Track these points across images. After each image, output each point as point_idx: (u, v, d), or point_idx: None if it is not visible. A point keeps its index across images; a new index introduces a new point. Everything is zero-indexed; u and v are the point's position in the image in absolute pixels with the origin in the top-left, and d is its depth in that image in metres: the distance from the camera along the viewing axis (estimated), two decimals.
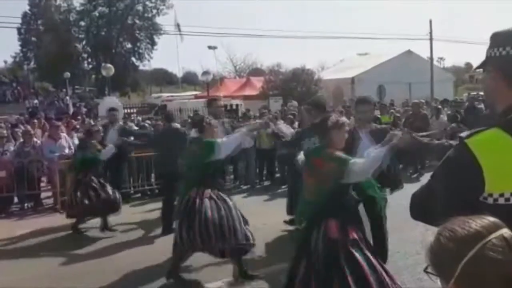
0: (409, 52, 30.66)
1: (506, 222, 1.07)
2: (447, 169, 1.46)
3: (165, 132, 7.58)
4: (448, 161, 1.46)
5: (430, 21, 29.86)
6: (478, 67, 1.63)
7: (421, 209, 1.57)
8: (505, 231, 1.04)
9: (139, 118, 15.61)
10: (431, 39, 29.72)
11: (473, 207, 1.23)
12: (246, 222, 4.55)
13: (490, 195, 1.35)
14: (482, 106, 12.16)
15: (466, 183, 1.37)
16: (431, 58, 30.71)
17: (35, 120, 14.08)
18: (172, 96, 30.69)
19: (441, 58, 50.33)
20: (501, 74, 1.47)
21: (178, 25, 30.62)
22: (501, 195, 1.34)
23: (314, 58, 61.03)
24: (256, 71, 38.33)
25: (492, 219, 1.07)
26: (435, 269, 1.09)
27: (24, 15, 46.37)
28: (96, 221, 6.93)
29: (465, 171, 1.37)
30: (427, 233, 1.14)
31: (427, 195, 1.53)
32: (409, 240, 4.97)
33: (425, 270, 1.12)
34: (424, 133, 3.56)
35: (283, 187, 9.10)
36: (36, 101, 28.87)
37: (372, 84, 24.65)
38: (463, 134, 1.43)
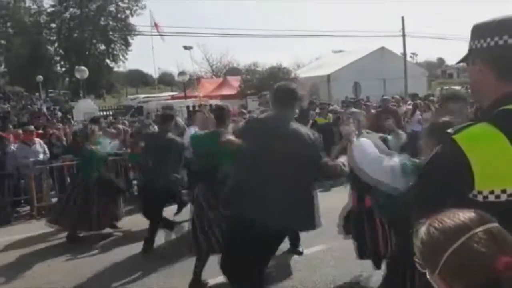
0: (382, 49, 31.14)
1: (497, 220, 1.06)
2: (435, 166, 1.41)
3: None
4: (436, 158, 1.41)
5: (403, 18, 30.44)
6: (461, 61, 1.56)
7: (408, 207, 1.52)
8: (492, 225, 1.04)
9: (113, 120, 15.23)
10: (403, 36, 30.26)
11: (463, 205, 1.20)
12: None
13: (480, 192, 1.31)
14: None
15: (455, 180, 1.33)
16: (404, 54, 31.29)
17: (11, 126, 13.66)
18: (148, 97, 30.41)
19: (414, 54, 51.39)
20: (488, 66, 1.41)
21: (156, 25, 30.24)
22: (491, 192, 1.30)
23: (290, 57, 61.18)
24: (233, 71, 38.32)
25: (481, 213, 1.07)
26: (422, 259, 1.10)
27: None
28: None
29: (453, 168, 1.32)
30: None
31: (415, 193, 1.49)
32: None
33: (415, 260, 1.13)
34: None
35: None
36: (7, 105, 28.00)
37: (347, 82, 24.86)
38: (450, 130, 1.36)
